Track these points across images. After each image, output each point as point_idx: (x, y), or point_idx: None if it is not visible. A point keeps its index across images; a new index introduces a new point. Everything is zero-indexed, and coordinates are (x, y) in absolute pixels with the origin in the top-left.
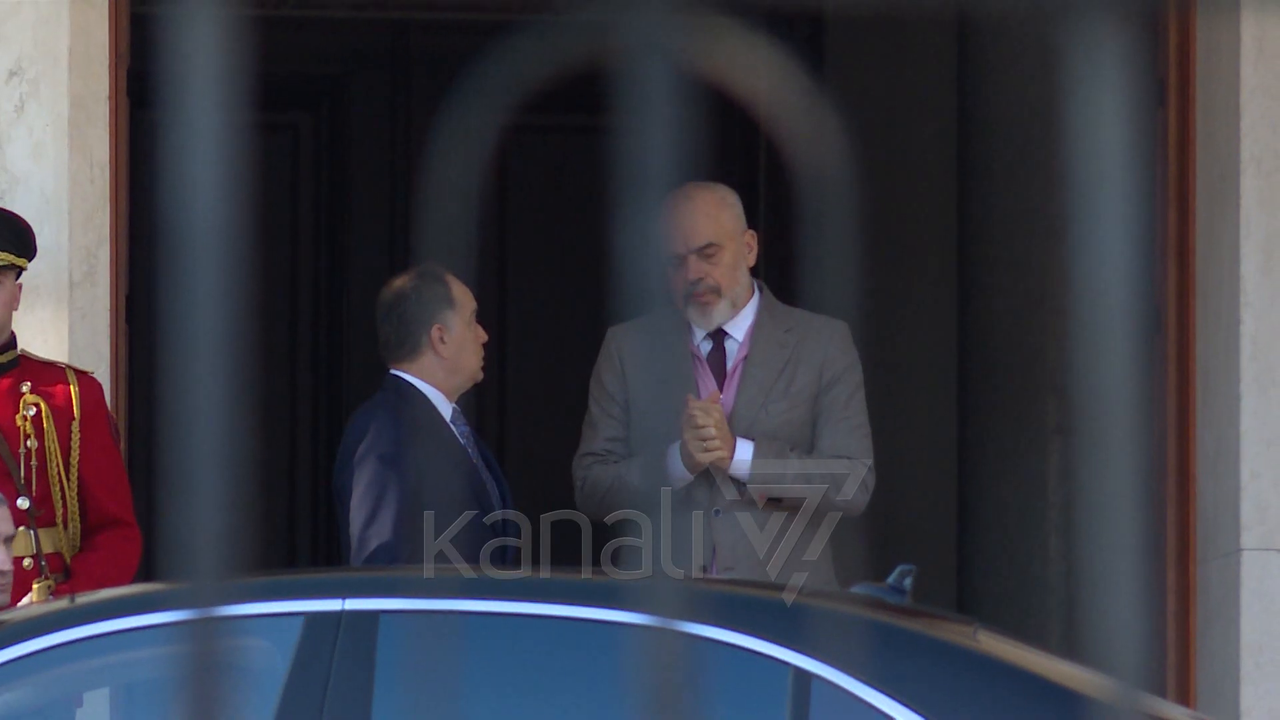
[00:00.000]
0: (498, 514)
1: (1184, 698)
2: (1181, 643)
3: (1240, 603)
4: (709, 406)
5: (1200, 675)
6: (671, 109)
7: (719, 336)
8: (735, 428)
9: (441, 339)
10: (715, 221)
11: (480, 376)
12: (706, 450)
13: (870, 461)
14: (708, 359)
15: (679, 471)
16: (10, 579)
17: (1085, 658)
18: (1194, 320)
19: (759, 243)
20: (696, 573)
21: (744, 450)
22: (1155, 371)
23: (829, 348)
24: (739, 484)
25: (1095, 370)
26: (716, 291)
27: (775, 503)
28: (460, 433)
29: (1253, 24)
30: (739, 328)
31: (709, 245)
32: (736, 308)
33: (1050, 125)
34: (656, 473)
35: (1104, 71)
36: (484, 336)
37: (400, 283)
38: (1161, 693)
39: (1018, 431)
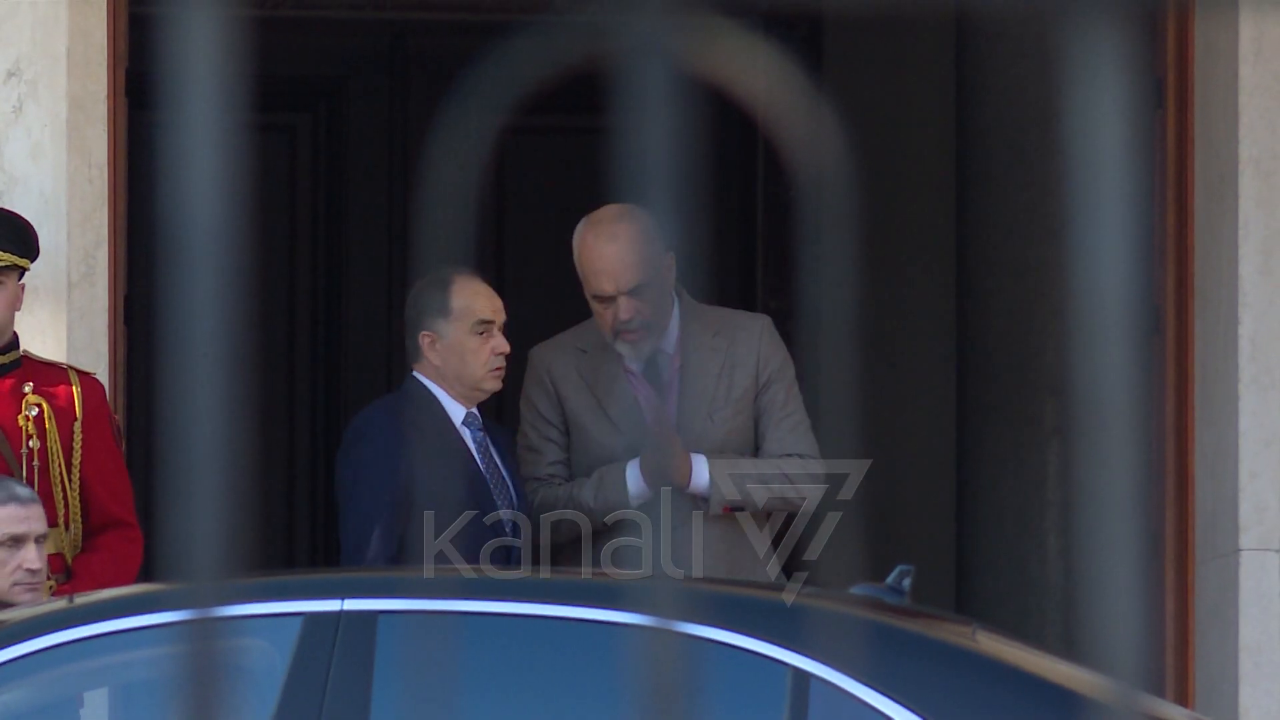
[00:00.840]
0: (497, 514)
1: (1182, 698)
2: (1180, 643)
3: (1238, 603)
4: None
5: (1198, 675)
6: (670, 110)
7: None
8: (683, 440)
9: (432, 345)
10: (643, 259)
11: (489, 386)
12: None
13: (816, 453)
14: (643, 373)
15: (637, 489)
16: (43, 577)
17: (1083, 658)
18: (1192, 321)
19: (759, 244)
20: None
21: (699, 465)
22: (1154, 372)
23: (760, 346)
24: (697, 498)
25: (1094, 371)
26: (646, 328)
27: (733, 510)
28: (473, 437)
29: (1251, 24)
30: (667, 339)
31: (640, 286)
32: (658, 334)
33: (1048, 126)
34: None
35: (1102, 72)
36: (502, 349)
37: (414, 286)
38: (1160, 693)
39: (1016, 432)
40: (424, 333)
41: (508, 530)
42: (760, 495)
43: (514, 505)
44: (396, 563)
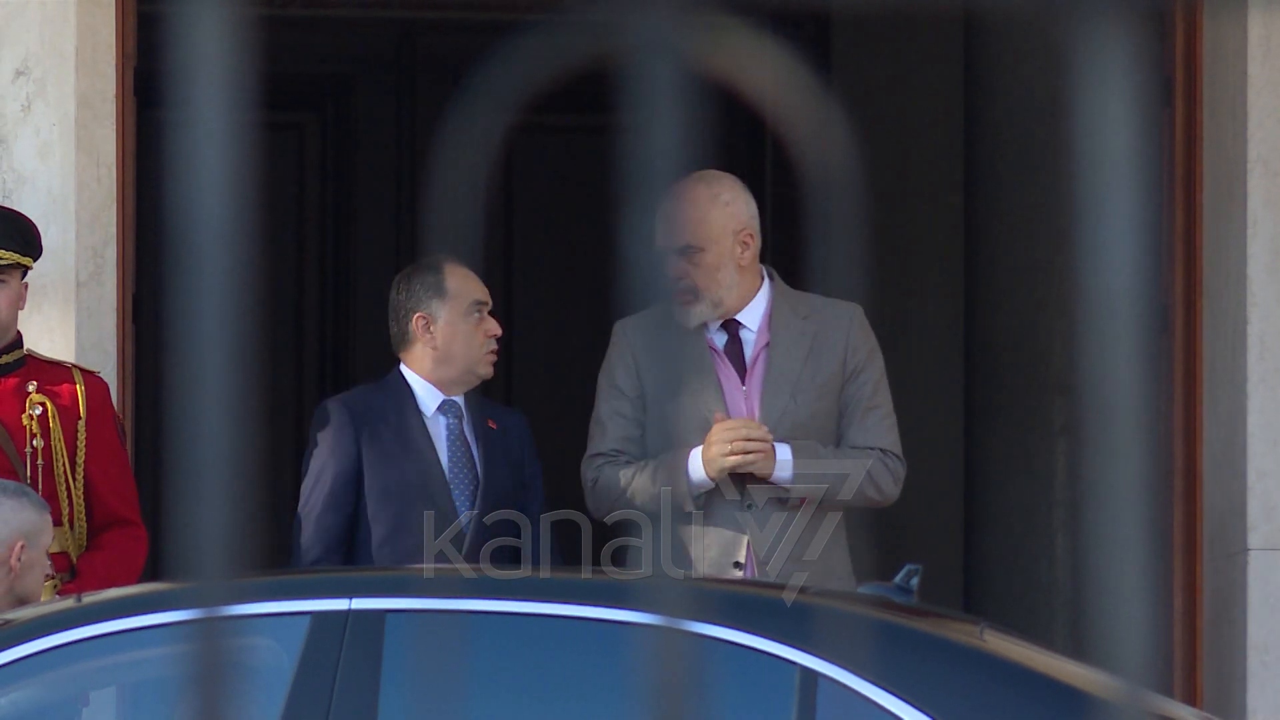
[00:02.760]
0: (498, 514)
1: (1190, 697)
2: (1188, 642)
3: (1247, 602)
4: (751, 424)
5: (1206, 674)
6: (678, 108)
7: (733, 326)
8: (765, 420)
9: (426, 328)
10: (700, 223)
11: (482, 372)
12: (749, 460)
13: (899, 451)
14: (725, 351)
15: (699, 477)
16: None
17: (1091, 657)
18: (1200, 319)
19: (766, 241)
20: (732, 571)
21: (784, 453)
22: (1162, 371)
23: (850, 334)
24: (776, 486)
25: (1102, 370)
26: (693, 293)
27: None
28: (446, 425)
29: (1259, 23)
30: (753, 316)
31: (688, 247)
32: (720, 308)
33: (1056, 124)
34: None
35: (1110, 71)
36: (494, 331)
37: (401, 273)
38: (1168, 692)
39: (1024, 431)
40: (418, 314)
41: (464, 526)
42: (839, 488)
43: (476, 499)
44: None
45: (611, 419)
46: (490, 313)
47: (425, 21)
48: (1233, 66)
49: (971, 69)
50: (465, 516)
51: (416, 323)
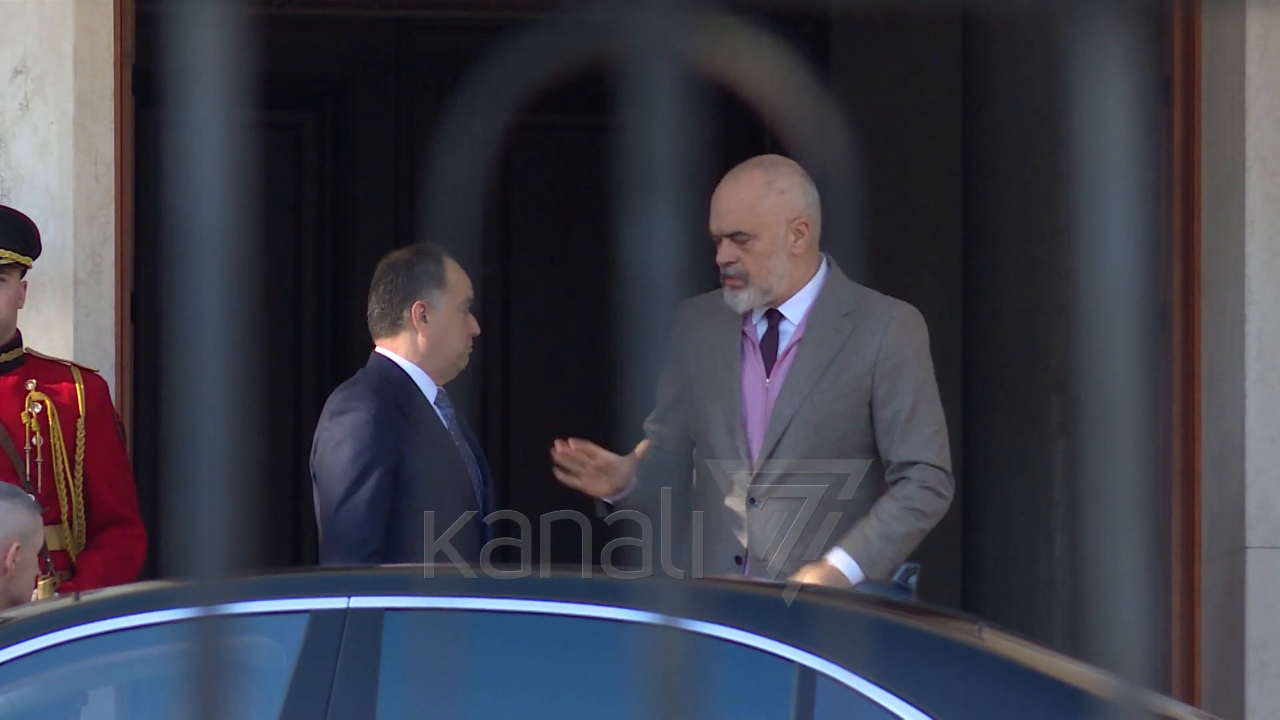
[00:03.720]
0: (497, 514)
1: (1188, 695)
2: (1186, 640)
3: (1245, 600)
4: (587, 450)
5: (1204, 673)
6: (676, 107)
7: (775, 317)
8: (777, 417)
9: (424, 316)
10: (750, 209)
11: (463, 364)
12: (576, 483)
13: (940, 461)
14: (761, 341)
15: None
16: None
17: (1090, 655)
18: (1199, 318)
19: None
20: (729, 564)
21: (845, 566)
22: (1160, 369)
23: (885, 336)
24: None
25: (1100, 368)
26: (743, 279)
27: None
28: (444, 415)
29: (1258, 22)
30: (796, 309)
31: (738, 233)
32: (769, 295)
33: (1055, 123)
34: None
35: (1108, 70)
36: (475, 330)
37: (395, 256)
38: (1166, 690)
39: (1022, 430)
40: (418, 301)
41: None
42: (906, 546)
43: (484, 482)
44: (384, 550)
45: (658, 399)
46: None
47: (423, 21)
48: (1231, 66)
49: (970, 68)
50: (466, 516)
51: (415, 310)
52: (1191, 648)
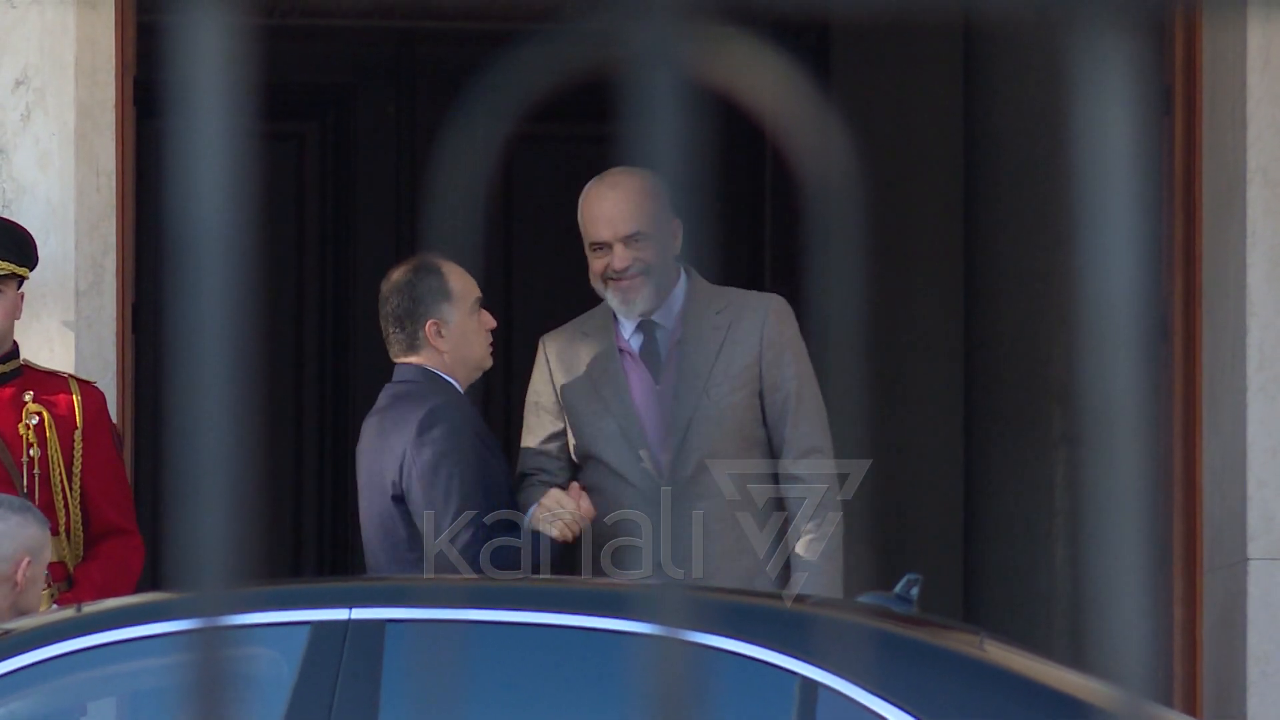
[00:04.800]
0: (497, 514)
1: (1190, 707)
2: (1187, 652)
3: (1246, 612)
4: (566, 501)
5: (1206, 685)
6: (677, 118)
7: (648, 327)
8: (679, 414)
9: (439, 333)
10: (640, 209)
11: (488, 363)
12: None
13: (828, 446)
14: (640, 353)
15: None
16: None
17: (1091, 667)
18: (1200, 329)
19: (766, 251)
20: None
21: (807, 574)
22: (1161, 380)
23: (764, 325)
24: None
25: (1101, 379)
26: (646, 274)
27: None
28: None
29: (1259, 33)
30: (668, 315)
31: (635, 234)
32: (662, 295)
33: (1056, 133)
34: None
35: (1110, 80)
36: (491, 323)
37: (395, 277)
38: (1168, 702)
39: (1024, 440)
40: (431, 321)
41: (504, 529)
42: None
43: (510, 491)
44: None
45: (529, 438)
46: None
47: (425, 31)
48: (1232, 76)
49: (971, 78)
50: (467, 515)
51: (430, 329)
52: (1193, 659)
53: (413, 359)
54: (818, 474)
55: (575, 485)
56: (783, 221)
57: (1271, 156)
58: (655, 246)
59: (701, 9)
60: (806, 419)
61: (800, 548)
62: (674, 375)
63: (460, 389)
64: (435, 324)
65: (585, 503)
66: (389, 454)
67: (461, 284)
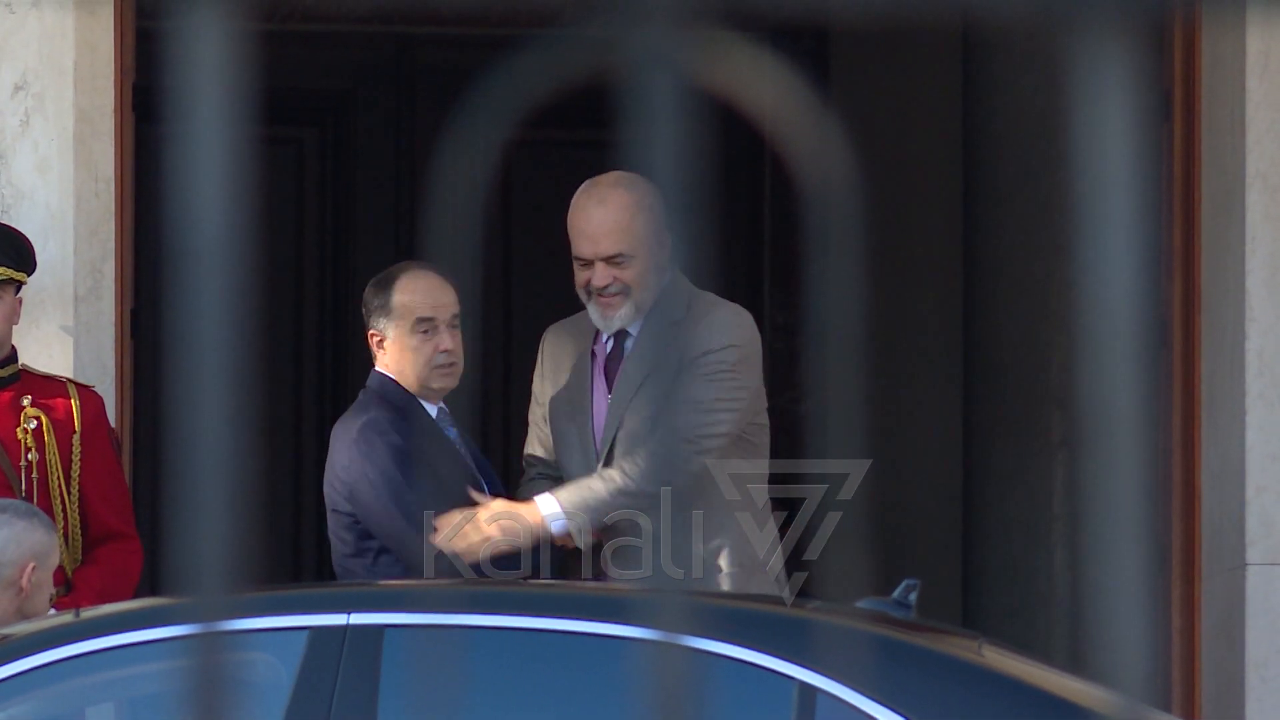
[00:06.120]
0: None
1: (1188, 712)
2: (1186, 657)
3: (1245, 617)
4: (495, 506)
5: (1205, 690)
6: (677, 123)
7: (620, 336)
8: (608, 428)
9: (380, 344)
10: (627, 229)
11: (437, 384)
12: (503, 541)
13: (693, 435)
14: (606, 359)
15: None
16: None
17: (1090, 672)
18: (1199, 335)
19: (765, 256)
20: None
21: (547, 506)
22: (1160, 386)
23: (700, 333)
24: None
25: (1100, 384)
26: (625, 294)
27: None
28: (450, 435)
29: (1258, 38)
30: (636, 325)
31: (618, 255)
32: (641, 310)
33: (1055, 139)
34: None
35: (1109, 85)
36: (446, 345)
37: (370, 282)
38: (1166, 707)
39: (1023, 445)
40: (371, 332)
41: None
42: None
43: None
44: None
45: (531, 430)
46: (462, 321)
47: (424, 36)
48: (1232, 81)
49: (970, 83)
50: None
51: (372, 340)
52: (1191, 664)
53: (377, 365)
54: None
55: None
56: (782, 226)
57: (1271, 161)
58: (638, 265)
59: (700, 14)
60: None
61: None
62: (612, 389)
63: (427, 401)
64: (375, 335)
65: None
66: (329, 466)
67: (406, 301)
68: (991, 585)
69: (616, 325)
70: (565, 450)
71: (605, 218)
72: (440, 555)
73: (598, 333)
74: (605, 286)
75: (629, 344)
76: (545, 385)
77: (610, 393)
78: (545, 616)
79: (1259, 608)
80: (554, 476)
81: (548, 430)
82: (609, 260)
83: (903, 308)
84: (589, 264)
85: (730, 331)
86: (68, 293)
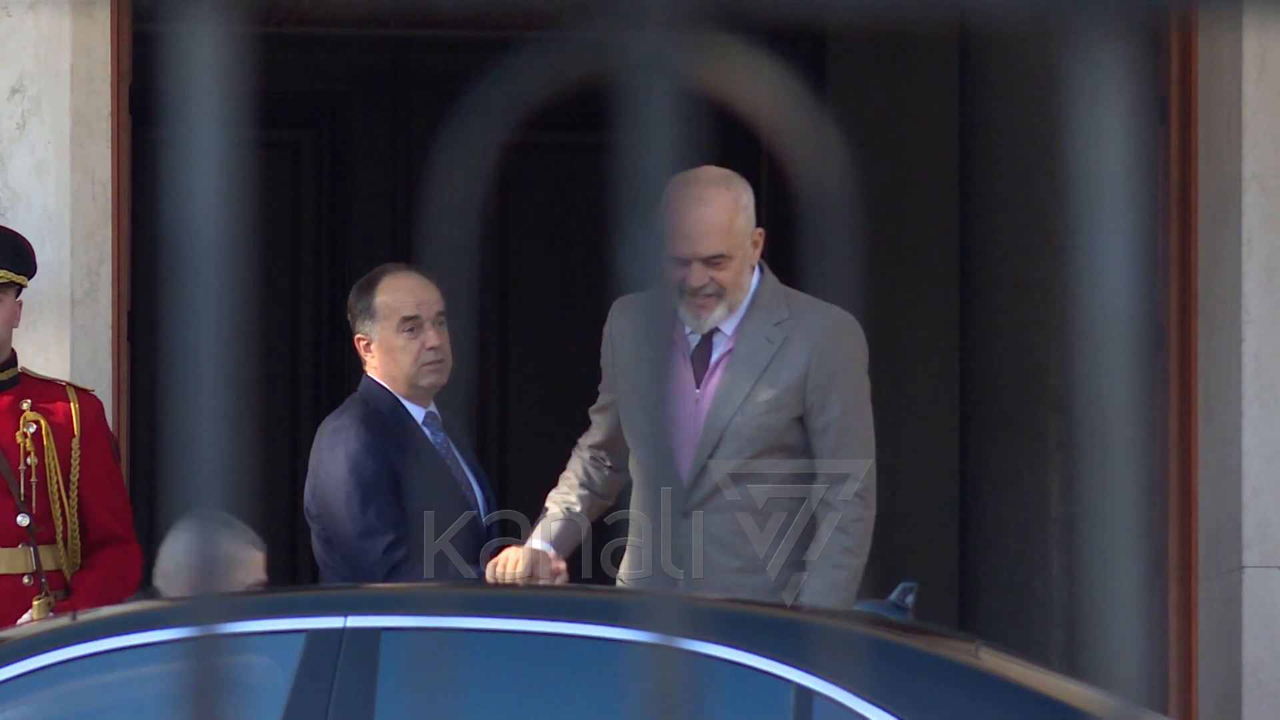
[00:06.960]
0: (496, 515)
1: (1185, 715)
2: (1183, 660)
3: (1242, 620)
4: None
5: (1202, 692)
6: (673, 126)
7: (711, 331)
8: (709, 431)
9: (367, 348)
10: (727, 231)
11: (426, 382)
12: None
13: (865, 474)
14: (692, 353)
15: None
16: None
17: (1087, 675)
18: (1196, 337)
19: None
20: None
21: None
22: (1157, 389)
23: (817, 342)
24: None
25: (1097, 387)
26: (719, 295)
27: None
28: (433, 438)
29: (1254, 41)
30: (730, 320)
31: (717, 256)
32: (732, 309)
33: (1052, 142)
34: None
35: (1105, 89)
36: (432, 343)
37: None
38: (1163, 710)
39: (1019, 448)
40: (358, 336)
41: (500, 531)
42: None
43: (485, 501)
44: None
45: (597, 415)
46: (447, 318)
47: (421, 39)
48: (1228, 85)
49: (967, 87)
50: (466, 516)
51: (359, 344)
52: (1188, 667)
53: (366, 370)
54: (847, 502)
55: (543, 554)
56: (779, 230)
57: (1267, 165)
58: (734, 266)
59: (697, 17)
60: (847, 445)
61: (809, 585)
62: (715, 388)
63: (414, 404)
64: (362, 339)
65: (556, 566)
66: (310, 472)
67: (389, 302)
68: (988, 588)
69: (709, 326)
70: (637, 442)
71: (704, 217)
72: (440, 555)
73: (679, 320)
74: (701, 287)
75: (718, 339)
76: (610, 363)
77: (699, 388)
78: (542, 620)
79: (1256, 610)
80: (582, 480)
81: (606, 402)
82: (707, 261)
83: (899, 311)
84: (686, 263)
85: (861, 338)
86: (64, 295)
